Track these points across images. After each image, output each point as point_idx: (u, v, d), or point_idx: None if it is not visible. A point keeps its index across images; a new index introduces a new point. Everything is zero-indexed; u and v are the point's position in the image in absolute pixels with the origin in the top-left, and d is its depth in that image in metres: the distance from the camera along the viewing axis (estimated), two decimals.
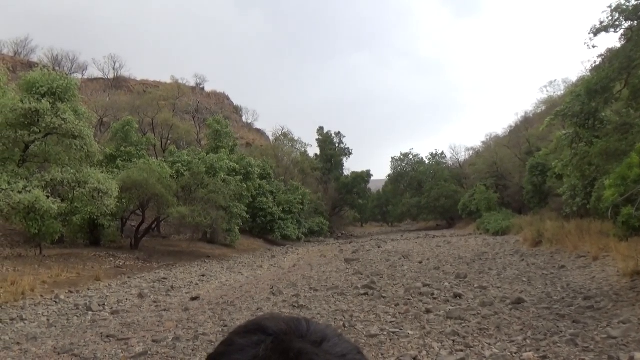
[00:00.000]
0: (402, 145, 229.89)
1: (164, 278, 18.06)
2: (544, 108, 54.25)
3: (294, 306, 11.53)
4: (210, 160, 31.30)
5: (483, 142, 66.23)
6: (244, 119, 77.30)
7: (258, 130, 75.83)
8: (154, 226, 28.77)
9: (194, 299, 13.80)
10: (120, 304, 13.16)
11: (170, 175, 27.07)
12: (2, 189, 16.84)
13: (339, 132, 65.44)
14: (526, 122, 57.45)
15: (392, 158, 67.44)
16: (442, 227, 58.01)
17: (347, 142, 66.06)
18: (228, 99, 77.73)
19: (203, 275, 19.25)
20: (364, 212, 66.29)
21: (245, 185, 33.47)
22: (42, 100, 18.59)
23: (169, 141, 39.46)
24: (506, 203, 46.16)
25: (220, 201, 27.52)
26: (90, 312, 11.94)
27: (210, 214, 26.36)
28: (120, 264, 20.83)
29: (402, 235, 45.99)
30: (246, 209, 32.79)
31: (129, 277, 18.08)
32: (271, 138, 66.05)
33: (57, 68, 38.33)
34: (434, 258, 20.78)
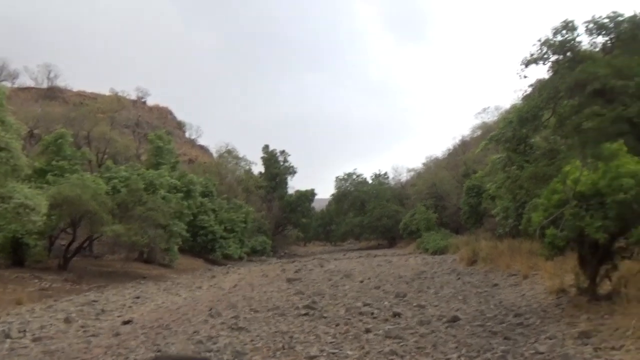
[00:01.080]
0: (347, 165, 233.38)
1: (94, 301, 17.05)
2: (479, 133, 56.99)
3: (233, 328, 11.20)
4: (150, 176, 30.25)
5: (424, 164, 68.53)
6: (187, 134, 75.65)
7: (202, 147, 74.38)
8: (85, 245, 27.22)
9: (126, 322, 13.09)
10: (44, 329, 12.25)
11: (106, 192, 25.86)
12: None
13: (284, 151, 65.48)
14: (463, 146, 60.12)
15: (337, 177, 68.20)
16: (383, 246, 58.96)
17: (294, 160, 66.11)
18: (171, 113, 75.95)
19: (137, 297, 18.37)
20: (307, 231, 66.28)
21: (186, 203, 32.58)
22: None
23: (106, 156, 37.82)
24: (445, 223, 47.75)
25: (160, 219, 26.53)
26: (8, 340, 10.98)
27: (147, 232, 25.34)
28: (46, 286, 19.48)
29: (344, 255, 46.27)
30: (186, 227, 31.85)
31: (55, 300, 16.91)
32: (215, 155, 65.00)
33: None
34: (374, 277, 21.00)
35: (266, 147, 64.97)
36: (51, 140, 28.38)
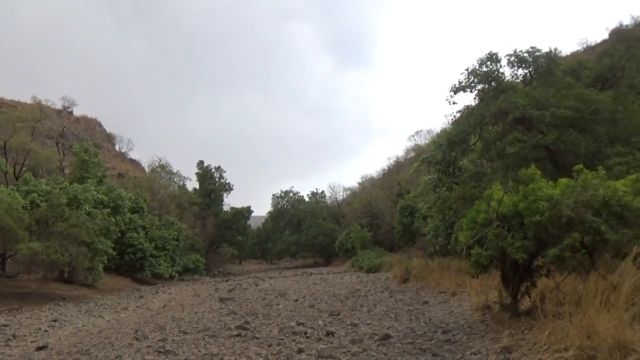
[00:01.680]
0: (284, 183, 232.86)
1: (5, 325, 15.64)
2: (412, 154, 59.20)
3: (160, 352, 10.65)
4: (74, 190, 28.50)
5: (359, 183, 70.11)
6: (117, 147, 72.56)
7: (133, 161, 71.55)
8: None
9: (40, 348, 12.10)
10: None
11: (23, 206, 24.03)
12: None
13: (219, 167, 64.47)
14: (397, 167, 62.11)
15: (273, 195, 67.93)
16: (319, 264, 59.15)
17: (230, 177, 65.30)
18: (100, 125, 72.61)
19: (55, 321, 17.08)
20: (243, 249, 65.23)
21: (113, 219, 30.97)
22: None
23: (24, 168, 35.28)
24: (379, 241, 48.76)
25: (83, 236, 24.97)
26: None
27: (69, 250, 23.73)
28: None
29: (280, 273, 45.86)
30: (113, 245, 30.20)
31: None
32: (147, 169, 62.66)
33: None
34: (309, 296, 20.91)
35: (201, 162, 63.71)
36: None
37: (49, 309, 20.36)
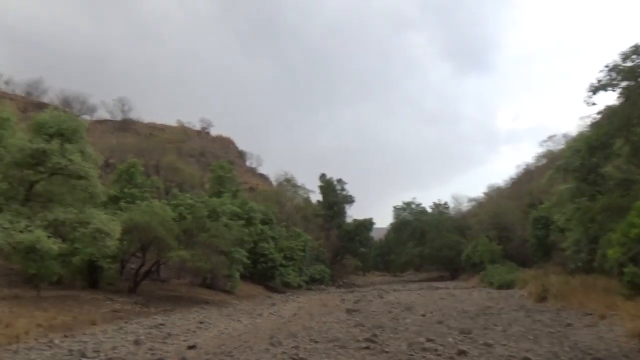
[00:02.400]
0: (405, 194, 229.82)
1: (162, 324, 17.66)
2: (544, 161, 54.70)
3: (294, 359, 11.21)
4: (213, 204, 31.33)
5: (485, 194, 66.49)
6: (248, 163, 77.96)
7: (262, 176, 76.28)
8: (153, 269, 28.42)
9: (191, 347, 13.44)
10: (115, 350, 12.82)
11: (173, 218, 27.01)
12: (4, 228, 16.80)
13: (341, 179, 65.66)
14: (527, 175, 57.84)
15: (395, 207, 67.48)
16: (445, 278, 57.17)
17: (350, 189, 66.05)
18: (233, 143, 78.72)
19: (201, 323, 18.84)
20: (366, 260, 65.57)
21: (247, 230, 33.32)
22: (51, 141, 18.86)
23: (172, 184, 39.71)
24: (510, 255, 45.70)
25: (222, 246, 27.31)
26: (84, 359, 11.61)
27: (211, 258, 26.12)
28: (118, 308, 20.44)
29: (404, 286, 45.26)
30: (247, 254, 32.49)
31: (125, 322, 17.69)
32: (274, 183, 66.42)
33: (67, 109, 39.13)
34: (437, 311, 20.36)
35: (323, 175, 65.56)
36: (124, 169, 30.23)
37: (196, 311, 22.52)
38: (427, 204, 69.11)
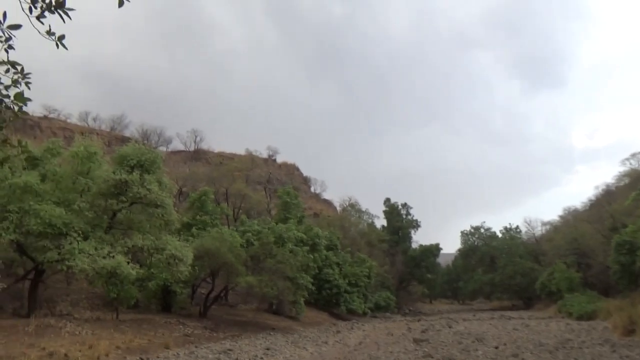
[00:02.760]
0: (473, 218, 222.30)
1: (230, 349, 18.09)
2: (627, 181, 51.06)
3: None
4: (279, 230, 31.98)
5: (561, 217, 62.79)
6: (312, 189, 79.01)
7: (326, 201, 76.94)
8: (222, 295, 29.29)
9: None
10: None
11: (240, 244, 27.85)
12: (90, 254, 18.09)
13: (406, 204, 64.88)
14: (608, 196, 54.06)
15: (462, 232, 65.38)
16: (518, 307, 54.17)
17: (416, 214, 65.23)
18: (298, 169, 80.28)
19: (268, 349, 19.10)
20: (433, 287, 63.75)
21: (312, 256, 33.61)
22: (133, 172, 20.24)
23: (240, 210, 41.01)
24: (590, 283, 42.64)
25: (288, 272, 27.71)
26: None
27: (277, 284, 26.54)
28: (189, 332, 21.21)
29: (474, 315, 43.37)
30: (312, 280, 32.69)
31: (196, 347, 18.31)
32: (338, 209, 66.73)
33: (145, 142, 41.92)
34: (511, 343, 19.34)
35: (388, 200, 65.05)
36: (196, 197, 31.71)
37: (262, 337, 22.87)
38: (496, 228, 66.73)
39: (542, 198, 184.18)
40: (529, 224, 64.57)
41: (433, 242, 62.71)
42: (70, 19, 3.87)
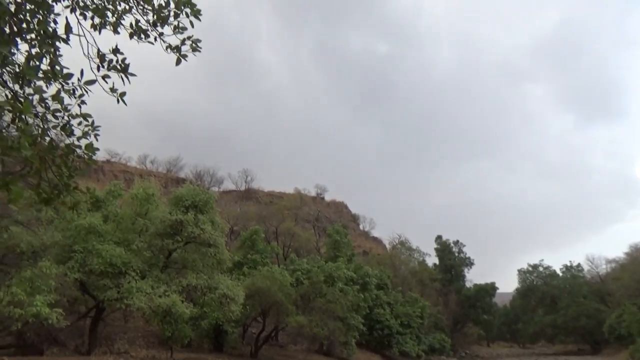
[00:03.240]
0: (530, 255, 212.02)
1: None
2: None
3: None
4: (329, 269, 31.86)
5: (627, 254, 58.82)
6: (361, 227, 78.44)
7: (375, 239, 76.04)
8: (273, 334, 29.21)
9: None
10: None
11: (290, 283, 27.90)
12: (147, 293, 18.70)
13: (458, 241, 63.07)
14: None
15: (520, 270, 62.53)
16: (584, 352, 50.60)
17: (469, 251, 63.19)
18: (346, 207, 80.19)
19: None
20: (489, 329, 60.74)
21: (362, 296, 33.10)
22: (187, 213, 21.01)
23: (290, 249, 41.25)
24: None
25: (338, 311, 27.39)
26: None
27: (327, 324, 26.25)
28: None
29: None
30: (363, 320, 32.06)
31: None
32: (388, 246, 65.75)
33: (199, 183, 43.47)
34: None
35: (439, 237, 63.53)
36: (247, 236, 32.29)
37: None
38: (556, 266, 63.13)
39: (604, 234, 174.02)
40: (591, 262, 60.89)
41: (488, 281, 60.26)
42: (130, 82, 4.35)
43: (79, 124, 4.08)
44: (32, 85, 3.68)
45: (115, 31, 4.41)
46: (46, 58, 3.93)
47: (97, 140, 4.17)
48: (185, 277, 20.91)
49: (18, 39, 3.86)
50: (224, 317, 22.27)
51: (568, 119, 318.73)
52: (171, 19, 4.45)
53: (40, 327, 16.63)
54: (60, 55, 4.04)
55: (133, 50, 4.52)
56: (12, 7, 3.80)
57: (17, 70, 3.59)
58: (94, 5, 4.35)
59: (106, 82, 4.27)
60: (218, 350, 25.32)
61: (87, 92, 4.07)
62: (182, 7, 4.41)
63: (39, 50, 3.90)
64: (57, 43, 4.00)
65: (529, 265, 62.45)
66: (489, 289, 59.04)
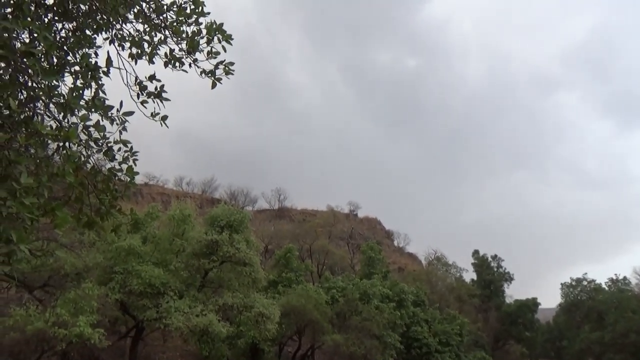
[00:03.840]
0: (572, 269, 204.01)
1: None
2: None
3: None
4: (364, 286, 31.58)
5: None
6: (395, 243, 77.50)
7: (410, 255, 74.88)
8: (309, 353, 29.04)
9: None
10: None
11: (326, 301, 27.78)
12: (184, 312, 19.01)
13: (496, 255, 61.36)
14: None
15: (563, 284, 60.18)
16: None
17: (508, 266, 61.18)
18: (380, 223, 79.49)
19: None
20: (532, 346, 58.41)
21: (398, 313, 32.58)
22: (223, 233, 21.36)
23: (324, 267, 41.15)
24: None
25: (374, 329, 27.06)
26: None
27: (364, 342, 25.96)
28: None
29: None
30: (400, 338, 31.49)
31: None
32: (424, 262, 64.64)
33: (233, 202, 44.13)
34: None
35: (476, 252, 62.00)
36: (281, 254, 32.46)
37: None
38: (601, 279, 60.52)
39: None
40: (639, 274, 58.11)
41: (529, 296, 58.23)
42: (164, 107, 4.58)
43: (119, 149, 4.30)
44: (76, 113, 3.91)
45: (151, 61, 4.66)
46: (89, 89, 4.18)
47: (135, 164, 4.39)
48: (221, 296, 21.18)
49: (64, 71, 4.13)
50: (260, 336, 22.35)
51: (606, 126, 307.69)
52: (204, 45, 4.67)
53: (83, 347, 17.09)
54: (103, 85, 4.29)
55: (167, 77, 4.75)
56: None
57: (62, 100, 3.82)
58: (132, 37, 4.61)
59: (145, 107, 4.52)
60: None
61: (126, 121, 4.31)
62: (214, 34, 4.62)
63: (82, 82, 4.14)
64: (99, 74, 4.25)
65: (572, 279, 60.05)
66: (531, 305, 57.00)
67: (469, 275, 60.74)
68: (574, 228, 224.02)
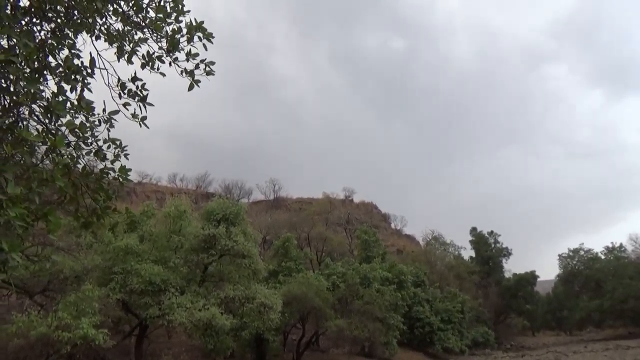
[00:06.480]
0: (568, 240, 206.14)
1: None
2: None
3: None
4: (364, 270, 31.78)
5: None
6: (392, 225, 77.93)
7: (408, 236, 75.38)
8: (313, 340, 29.29)
9: None
10: None
11: (327, 288, 27.96)
12: (187, 307, 19.07)
13: (492, 232, 61.84)
14: None
15: (560, 255, 60.87)
16: (635, 335, 48.71)
17: (505, 241, 61.71)
18: (376, 207, 79.80)
19: None
20: (533, 318, 59.27)
21: (399, 295, 32.88)
22: (219, 226, 21.35)
23: (323, 254, 41.32)
24: None
25: (377, 312, 27.30)
26: None
27: (367, 326, 26.19)
28: None
29: (585, 347, 39.68)
30: (402, 319, 31.83)
31: None
32: (422, 243, 65.09)
33: (228, 195, 44.05)
34: None
35: (474, 229, 62.48)
36: (280, 244, 32.54)
37: None
38: (598, 248, 61.17)
39: None
40: (635, 241, 58.81)
41: (527, 269, 58.87)
42: (146, 110, 4.55)
43: (109, 147, 4.28)
44: (61, 119, 3.87)
45: (129, 61, 4.59)
46: (75, 92, 4.13)
47: (127, 159, 4.38)
48: (222, 289, 21.23)
49: (47, 73, 4.07)
50: (264, 326, 22.47)
51: (597, 95, 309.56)
52: (184, 43, 4.58)
53: (88, 348, 17.13)
54: (89, 84, 4.24)
55: (156, 75, 4.68)
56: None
57: (46, 104, 3.77)
58: (111, 35, 4.53)
59: (127, 109, 4.47)
60: (260, 359, 25.55)
61: (112, 120, 4.28)
62: (194, 32, 4.55)
63: (66, 85, 4.09)
64: (79, 76, 4.19)
65: (569, 250, 60.73)
66: (530, 278, 57.69)
67: (467, 253, 61.35)
68: (568, 199, 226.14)
